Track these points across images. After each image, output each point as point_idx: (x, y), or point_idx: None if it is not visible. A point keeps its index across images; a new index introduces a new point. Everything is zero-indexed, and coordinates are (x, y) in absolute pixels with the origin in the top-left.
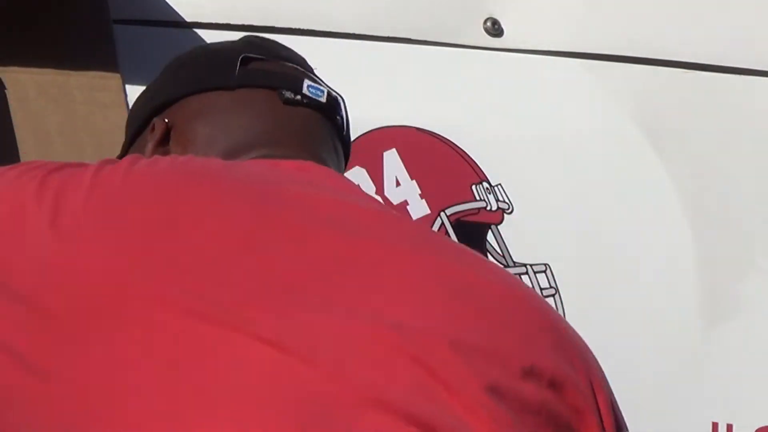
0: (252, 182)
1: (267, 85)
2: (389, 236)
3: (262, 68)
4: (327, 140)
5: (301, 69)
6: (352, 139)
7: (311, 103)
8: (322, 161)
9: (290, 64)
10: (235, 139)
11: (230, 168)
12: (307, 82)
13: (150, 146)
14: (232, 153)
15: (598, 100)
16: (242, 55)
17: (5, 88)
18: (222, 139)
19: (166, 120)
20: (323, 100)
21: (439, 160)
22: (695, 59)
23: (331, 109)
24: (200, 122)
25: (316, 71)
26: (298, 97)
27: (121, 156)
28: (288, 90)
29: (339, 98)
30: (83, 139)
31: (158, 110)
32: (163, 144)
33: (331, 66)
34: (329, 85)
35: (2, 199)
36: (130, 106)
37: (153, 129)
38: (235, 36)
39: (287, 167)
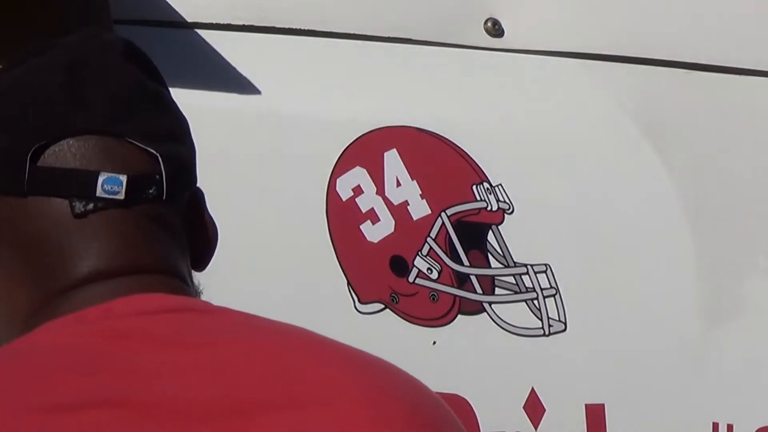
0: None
1: (57, 193)
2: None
3: (54, 165)
4: (144, 239)
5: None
6: (353, 139)
7: (108, 206)
8: (138, 269)
9: (89, 141)
10: (35, 274)
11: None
12: (102, 177)
13: None
14: (33, 303)
15: (598, 100)
16: (34, 148)
17: None
18: (20, 271)
19: None
20: (121, 196)
21: (439, 161)
22: (695, 59)
23: (136, 195)
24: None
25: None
26: (91, 205)
27: None
28: (79, 197)
29: (152, 167)
30: None
31: None
32: None
33: (332, 66)
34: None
35: None
36: None
37: None
38: (236, 36)
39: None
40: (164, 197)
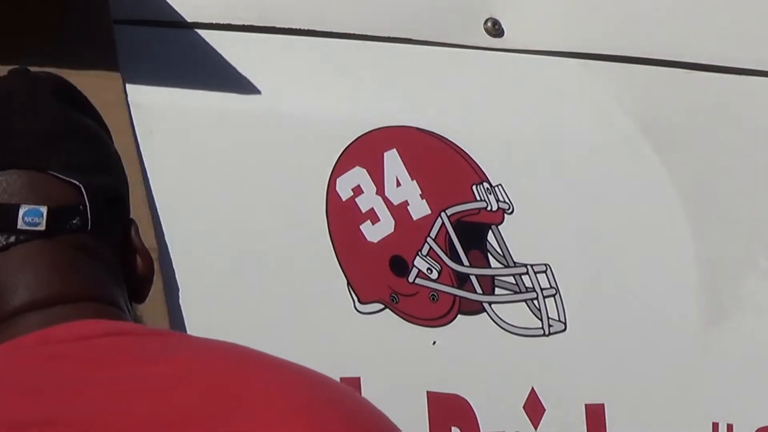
0: None
1: None
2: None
3: None
4: (73, 268)
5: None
6: (353, 139)
7: (31, 237)
8: (70, 298)
9: (12, 176)
10: None
11: None
12: (23, 210)
13: None
14: None
15: (598, 100)
16: None
17: None
18: None
19: None
20: (42, 227)
21: (439, 160)
22: (695, 59)
23: (58, 226)
24: None
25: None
26: (12, 238)
27: None
28: (0, 231)
29: (75, 198)
30: None
31: None
32: None
33: (332, 66)
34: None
35: None
36: None
37: None
38: (236, 36)
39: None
40: (89, 227)
